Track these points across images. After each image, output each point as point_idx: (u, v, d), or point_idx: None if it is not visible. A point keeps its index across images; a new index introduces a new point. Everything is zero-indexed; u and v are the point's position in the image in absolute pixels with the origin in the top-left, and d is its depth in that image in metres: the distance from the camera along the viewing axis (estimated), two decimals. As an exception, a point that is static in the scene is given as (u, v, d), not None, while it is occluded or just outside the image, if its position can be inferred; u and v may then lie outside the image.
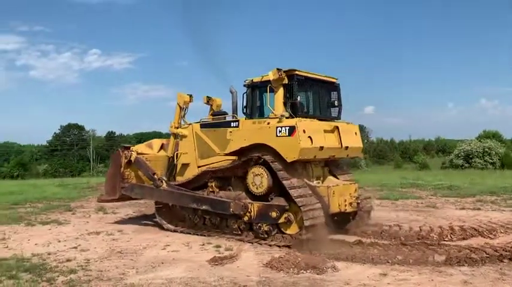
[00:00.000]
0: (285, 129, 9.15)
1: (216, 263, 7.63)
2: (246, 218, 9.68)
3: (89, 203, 16.50)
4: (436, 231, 9.85)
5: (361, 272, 6.96)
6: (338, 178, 10.42)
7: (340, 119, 10.64)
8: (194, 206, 10.59)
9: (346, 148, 10.04)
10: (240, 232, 9.88)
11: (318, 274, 6.87)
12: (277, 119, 9.36)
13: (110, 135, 78.50)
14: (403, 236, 9.45)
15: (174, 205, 11.25)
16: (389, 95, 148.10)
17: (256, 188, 9.54)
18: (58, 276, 6.90)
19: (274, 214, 9.19)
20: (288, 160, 9.17)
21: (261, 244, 9.22)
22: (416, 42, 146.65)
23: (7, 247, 9.34)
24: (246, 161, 9.80)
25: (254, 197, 9.66)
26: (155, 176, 11.38)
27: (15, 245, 9.50)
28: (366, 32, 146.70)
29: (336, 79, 10.72)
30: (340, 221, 10.20)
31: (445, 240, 9.15)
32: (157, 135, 53.44)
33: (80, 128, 76.13)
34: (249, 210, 9.58)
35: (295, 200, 8.82)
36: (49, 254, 8.56)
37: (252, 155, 9.66)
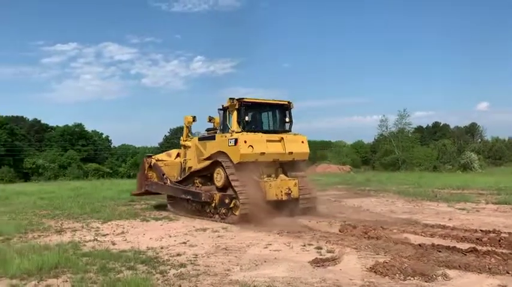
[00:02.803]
0: (233, 141, 12.53)
1: (318, 264, 7.56)
2: (213, 205, 13.17)
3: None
4: None
5: (476, 283, 6.40)
6: (288, 176, 13.33)
7: (290, 131, 13.86)
8: (183, 196, 14.34)
9: (291, 153, 13.17)
10: (211, 215, 13.16)
11: (426, 281, 6.46)
12: (230, 133, 12.81)
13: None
14: (526, 246, 8.52)
15: (176, 196, 14.99)
16: (506, 89, 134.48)
17: (218, 182, 12.99)
18: (170, 269, 7.36)
19: (227, 201, 12.65)
20: (234, 162, 12.47)
21: (220, 222, 12.58)
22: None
23: (126, 240, 10.25)
24: (212, 163, 13.30)
25: (218, 189, 13.15)
26: (164, 176, 15.48)
27: (133, 238, 10.38)
28: (482, 19, 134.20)
29: (288, 102, 13.79)
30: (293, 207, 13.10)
31: None
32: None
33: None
34: (214, 199, 13.09)
35: (235, 190, 12.23)
36: (161, 248, 9.18)
37: (215, 159, 13.10)
